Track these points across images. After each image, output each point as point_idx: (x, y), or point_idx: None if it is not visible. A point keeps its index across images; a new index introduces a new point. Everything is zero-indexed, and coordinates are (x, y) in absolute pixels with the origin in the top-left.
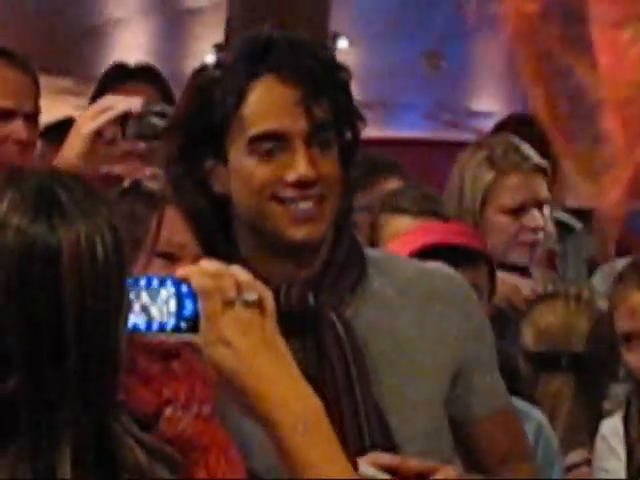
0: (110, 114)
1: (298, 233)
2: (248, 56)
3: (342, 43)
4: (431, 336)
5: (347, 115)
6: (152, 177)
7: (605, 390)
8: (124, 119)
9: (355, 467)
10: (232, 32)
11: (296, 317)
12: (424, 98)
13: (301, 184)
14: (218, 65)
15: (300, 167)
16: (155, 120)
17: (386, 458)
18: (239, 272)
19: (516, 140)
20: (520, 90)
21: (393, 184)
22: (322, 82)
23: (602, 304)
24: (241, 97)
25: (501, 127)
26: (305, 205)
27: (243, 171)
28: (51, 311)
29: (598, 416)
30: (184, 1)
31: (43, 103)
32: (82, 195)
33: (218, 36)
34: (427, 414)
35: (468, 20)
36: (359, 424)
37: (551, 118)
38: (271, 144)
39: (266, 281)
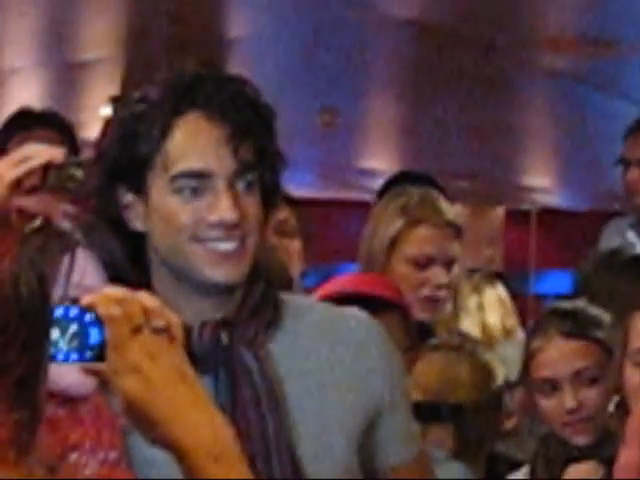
0: (31, 163)
1: (218, 273)
2: (174, 92)
3: None
4: (345, 381)
5: (270, 157)
6: (66, 216)
7: (487, 442)
8: (45, 169)
9: None
10: (129, 84)
11: (209, 356)
12: (317, 156)
13: (223, 226)
14: (143, 99)
15: (223, 209)
16: (75, 171)
17: None
18: (146, 298)
19: (434, 194)
20: (410, 149)
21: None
22: (249, 122)
23: (486, 355)
24: (166, 133)
25: (391, 183)
26: (227, 246)
27: (164, 209)
28: None
29: (482, 466)
30: (77, 54)
31: None
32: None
33: (111, 89)
34: (342, 460)
35: (364, 79)
36: (271, 468)
37: None
38: (194, 183)
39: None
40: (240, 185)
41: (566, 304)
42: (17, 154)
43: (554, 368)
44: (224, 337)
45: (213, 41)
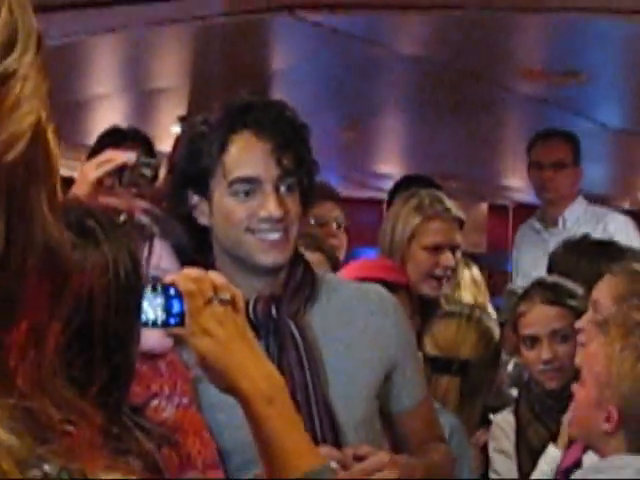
0: (110, 165)
1: (267, 259)
2: (229, 115)
3: None
4: (367, 342)
5: (307, 165)
6: (144, 212)
7: (484, 393)
8: (120, 170)
9: None
10: (193, 107)
11: (261, 325)
12: (341, 163)
13: (271, 220)
14: (204, 122)
15: (270, 207)
16: (145, 170)
17: (335, 452)
18: (215, 276)
19: (441, 194)
20: (414, 157)
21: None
22: (289, 138)
23: (489, 322)
24: (224, 148)
25: (399, 185)
26: (273, 236)
27: (224, 208)
28: (84, 321)
29: (478, 411)
30: (151, 82)
31: None
32: (110, 227)
33: (179, 110)
34: (364, 406)
35: (379, 103)
36: (310, 412)
37: None
38: (247, 187)
39: None
40: (283, 188)
41: (548, 278)
42: (98, 158)
43: (536, 327)
44: (273, 310)
45: (259, 73)
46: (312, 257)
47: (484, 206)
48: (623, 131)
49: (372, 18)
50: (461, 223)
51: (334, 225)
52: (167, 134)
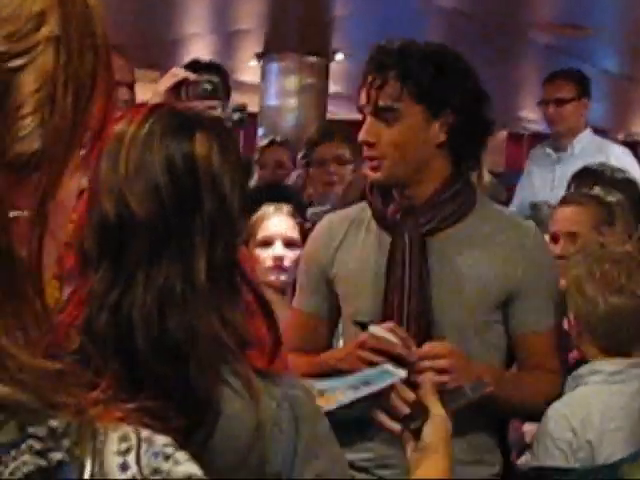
0: (176, 78)
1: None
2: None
3: (339, 56)
4: (498, 263)
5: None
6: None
7: None
8: (187, 85)
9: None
10: (268, 45)
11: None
12: None
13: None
14: None
15: (361, 134)
16: (206, 85)
17: (400, 330)
18: None
19: None
20: None
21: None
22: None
23: None
24: None
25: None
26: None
27: None
28: (194, 190)
29: None
30: (234, 24)
31: (141, 87)
32: (207, 121)
33: (257, 48)
34: (467, 314)
35: None
36: (403, 303)
37: None
38: None
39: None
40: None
41: None
42: (169, 73)
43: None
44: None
45: (322, 19)
46: None
47: (504, 133)
48: (621, 76)
49: None
50: None
51: (332, 166)
52: (246, 68)
